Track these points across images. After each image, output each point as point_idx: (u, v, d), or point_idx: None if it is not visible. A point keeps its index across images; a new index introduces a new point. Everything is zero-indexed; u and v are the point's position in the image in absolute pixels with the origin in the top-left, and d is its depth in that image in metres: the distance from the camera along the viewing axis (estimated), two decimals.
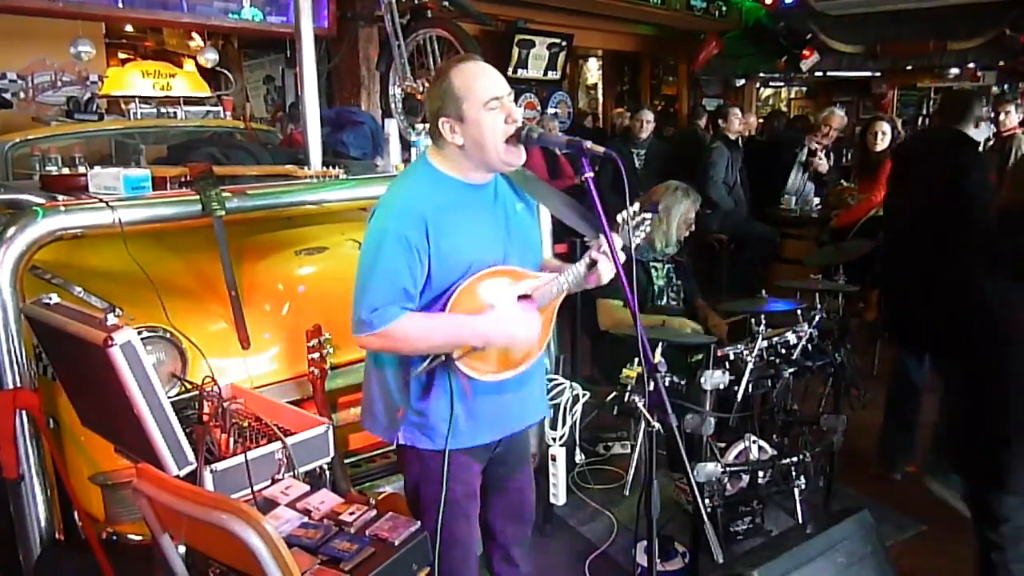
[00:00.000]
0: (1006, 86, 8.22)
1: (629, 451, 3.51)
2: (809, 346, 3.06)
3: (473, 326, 1.77)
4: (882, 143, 5.13)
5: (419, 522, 1.76)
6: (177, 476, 1.64)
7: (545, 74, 8.62)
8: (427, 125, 3.13)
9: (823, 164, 5.89)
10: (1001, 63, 8.09)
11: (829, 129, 5.82)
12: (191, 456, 1.69)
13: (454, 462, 1.87)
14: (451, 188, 1.83)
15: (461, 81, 1.76)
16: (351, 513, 1.73)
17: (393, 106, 3.73)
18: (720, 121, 6.21)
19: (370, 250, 1.77)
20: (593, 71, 11.57)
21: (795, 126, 7.88)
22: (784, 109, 10.74)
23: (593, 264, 1.82)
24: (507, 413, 1.95)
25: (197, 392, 1.96)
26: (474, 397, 1.85)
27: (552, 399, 2.82)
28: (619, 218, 1.81)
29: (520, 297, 1.85)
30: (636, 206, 1.83)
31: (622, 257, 1.74)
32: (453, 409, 1.82)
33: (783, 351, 2.99)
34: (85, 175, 2.62)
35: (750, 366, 2.83)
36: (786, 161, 6.08)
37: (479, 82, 1.75)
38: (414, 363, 1.82)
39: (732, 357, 2.87)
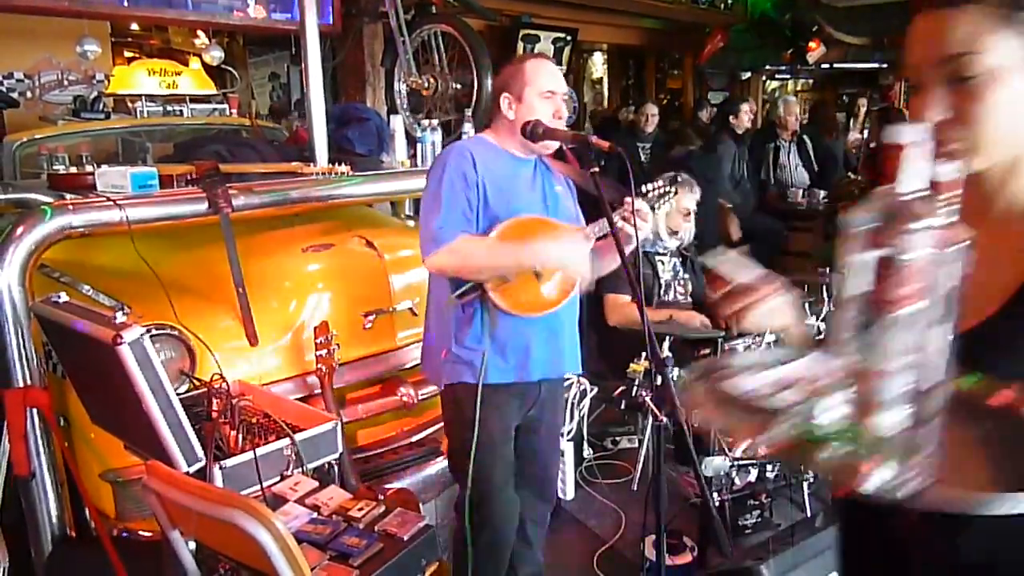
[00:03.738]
0: None
1: (637, 446, 3.51)
2: (818, 339, 3.05)
3: (532, 246, 1.98)
4: None
5: (426, 518, 1.76)
6: (187, 473, 1.64)
7: None
8: (432, 121, 3.19)
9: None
10: None
11: (795, 118, 5.89)
12: (200, 453, 1.69)
13: (490, 400, 2.03)
14: (499, 154, 2.11)
15: (532, 69, 2.08)
16: (360, 509, 1.74)
17: (398, 102, 3.73)
18: (731, 117, 6.16)
19: (432, 186, 2.04)
20: (598, 65, 11.53)
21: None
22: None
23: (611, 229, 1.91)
24: (534, 355, 2.10)
25: (206, 389, 1.97)
26: (501, 328, 2.03)
27: None
28: (644, 189, 2.13)
29: None
30: (660, 180, 2.18)
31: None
32: (485, 338, 2.02)
33: None
34: (92, 174, 2.63)
35: None
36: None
37: (545, 76, 2.07)
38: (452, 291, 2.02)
39: (740, 351, 2.86)
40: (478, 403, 2.00)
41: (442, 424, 2.35)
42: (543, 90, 2.05)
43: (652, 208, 2.14)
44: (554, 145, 2.09)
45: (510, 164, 2.11)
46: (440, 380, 2.14)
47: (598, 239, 2.09)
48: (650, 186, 2.17)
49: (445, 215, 1.97)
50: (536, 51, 8.25)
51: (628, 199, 2.01)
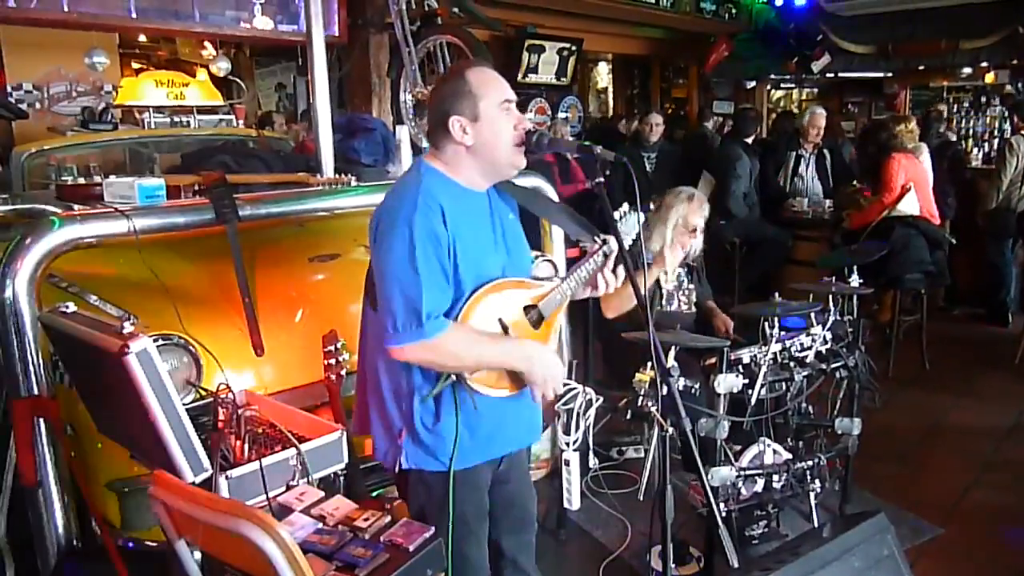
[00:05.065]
0: (1019, 84, 8.17)
1: (643, 455, 3.50)
2: (823, 349, 3.04)
3: (524, 354, 1.79)
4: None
5: (433, 527, 1.76)
6: (193, 483, 1.65)
7: (555, 79, 8.63)
8: None
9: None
10: (1014, 62, 8.03)
11: (817, 131, 5.85)
12: (206, 463, 1.70)
13: (463, 482, 1.85)
14: (455, 190, 1.80)
15: (479, 81, 1.75)
16: (366, 519, 1.73)
17: (404, 112, 3.74)
18: (751, 125, 6.15)
19: (402, 254, 1.67)
20: (603, 75, 11.57)
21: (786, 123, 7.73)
22: (795, 111, 10.68)
23: (598, 269, 1.87)
24: (506, 431, 1.94)
25: (212, 399, 1.97)
26: (478, 413, 1.82)
27: (565, 404, 2.82)
28: (616, 214, 1.83)
29: (526, 308, 1.85)
30: (625, 206, 1.86)
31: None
32: (458, 427, 1.79)
33: (797, 354, 2.97)
34: (100, 184, 2.64)
35: (764, 369, 2.82)
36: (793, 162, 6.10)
37: (497, 84, 1.78)
38: (422, 386, 1.79)
39: (746, 360, 2.85)
40: (451, 487, 1.82)
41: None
42: (501, 100, 1.75)
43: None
44: (522, 163, 1.82)
45: (469, 203, 1.81)
46: (393, 462, 1.86)
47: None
48: (620, 210, 1.89)
49: (428, 297, 1.66)
50: (540, 61, 8.26)
51: (605, 248, 1.84)
